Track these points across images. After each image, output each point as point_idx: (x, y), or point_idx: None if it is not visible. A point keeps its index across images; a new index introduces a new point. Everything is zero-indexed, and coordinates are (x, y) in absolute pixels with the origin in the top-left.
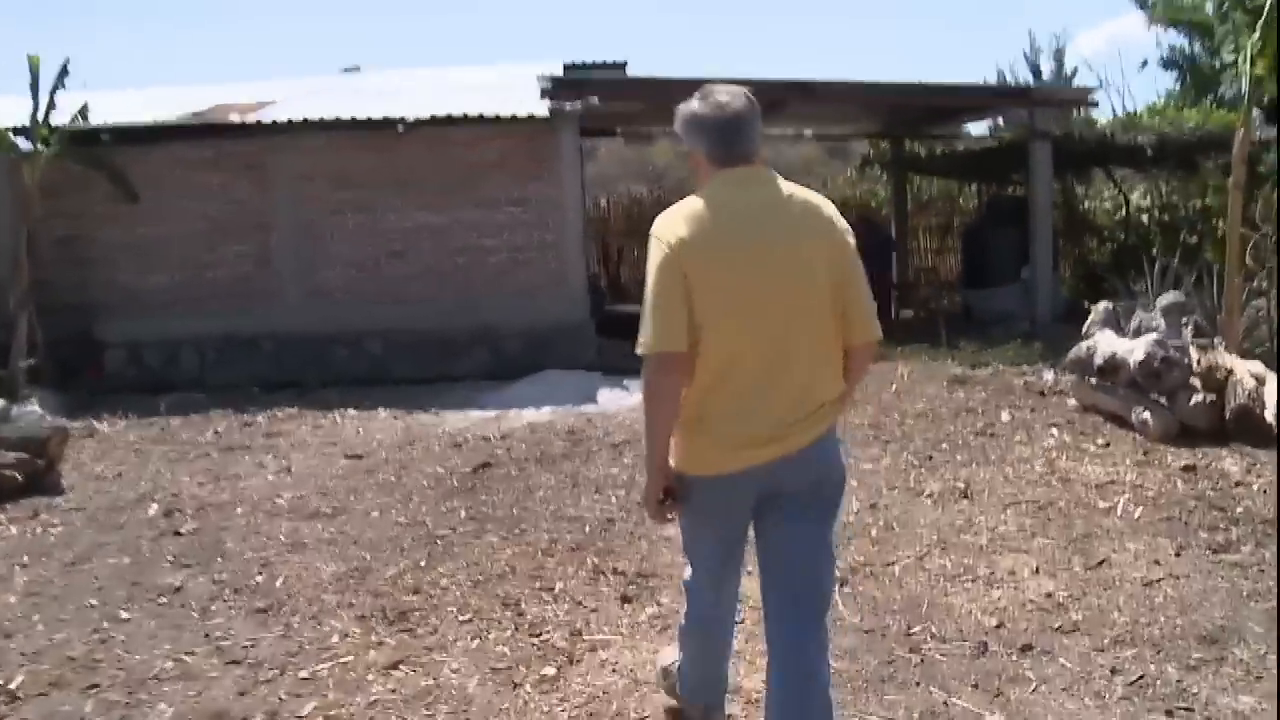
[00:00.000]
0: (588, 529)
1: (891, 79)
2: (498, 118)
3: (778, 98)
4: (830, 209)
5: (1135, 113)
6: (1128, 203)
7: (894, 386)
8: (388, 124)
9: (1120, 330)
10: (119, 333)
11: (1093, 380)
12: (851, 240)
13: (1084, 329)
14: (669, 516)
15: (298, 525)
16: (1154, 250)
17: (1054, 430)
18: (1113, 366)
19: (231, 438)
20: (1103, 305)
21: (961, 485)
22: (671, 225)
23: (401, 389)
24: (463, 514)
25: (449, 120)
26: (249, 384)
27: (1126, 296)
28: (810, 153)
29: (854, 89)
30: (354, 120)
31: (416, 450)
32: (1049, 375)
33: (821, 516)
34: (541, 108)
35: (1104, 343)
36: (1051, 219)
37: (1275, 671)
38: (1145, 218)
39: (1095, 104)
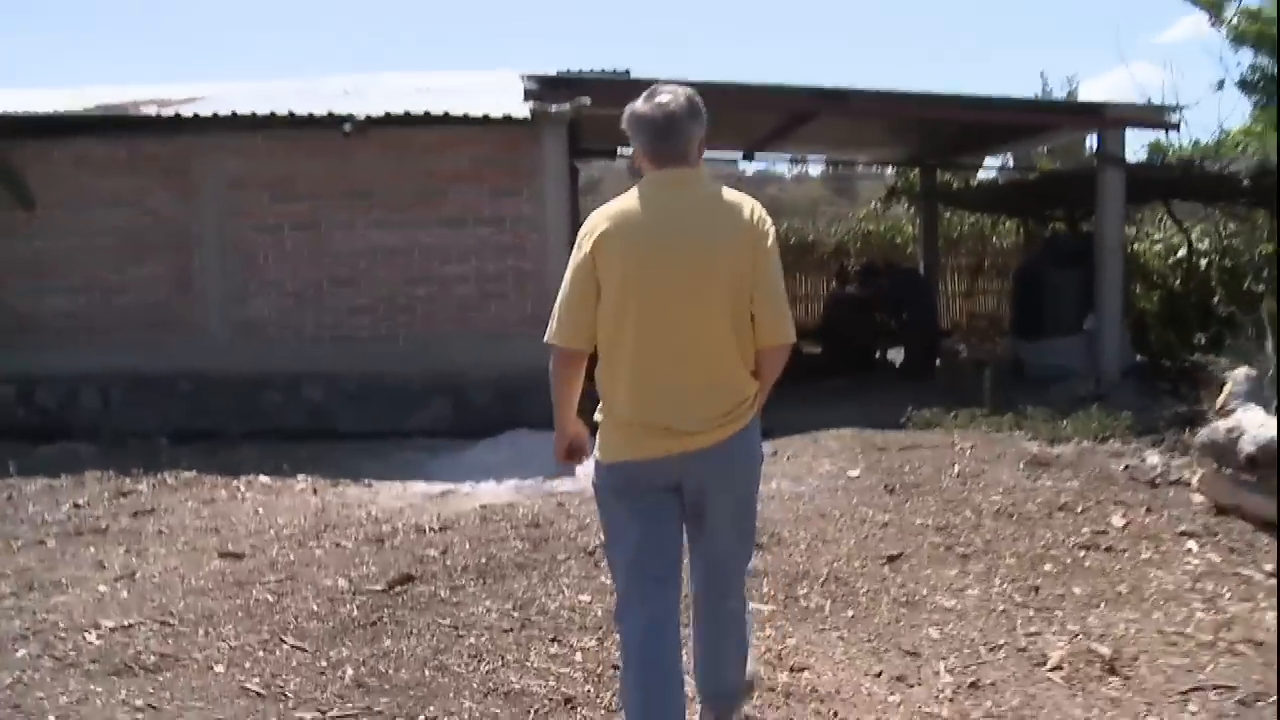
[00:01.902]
0: (533, 718)
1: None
2: (466, 117)
3: (806, 108)
4: (753, 210)
5: (1222, 135)
6: (1191, 244)
7: (956, 468)
8: (334, 122)
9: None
10: (6, 366)
11: (1228, 471)
12: (770, 241)
13: (1219, 403)
14: (576, 461)
15: (90, 688)
16: (1215, 300)
17: (1192, 545)
18: (1271, 458)
19: (89, 515)
20: (1243, 372)
21: (1101, 649)
22: (592, 223)
23: (340, 447)
24: (348, 676)
25: (408, 120)
26: (159, 432)
27: (1184, 351)
28: (815, 191)
29: (892, 100)
30: (294, 117)
31: (323, 547)
32: (1154, 458)
33: (732, 515)
34: (522, 109)
35: (1253, 424)
36: (1123, 261)
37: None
38: (1204, 262)
39: (1177, 126)
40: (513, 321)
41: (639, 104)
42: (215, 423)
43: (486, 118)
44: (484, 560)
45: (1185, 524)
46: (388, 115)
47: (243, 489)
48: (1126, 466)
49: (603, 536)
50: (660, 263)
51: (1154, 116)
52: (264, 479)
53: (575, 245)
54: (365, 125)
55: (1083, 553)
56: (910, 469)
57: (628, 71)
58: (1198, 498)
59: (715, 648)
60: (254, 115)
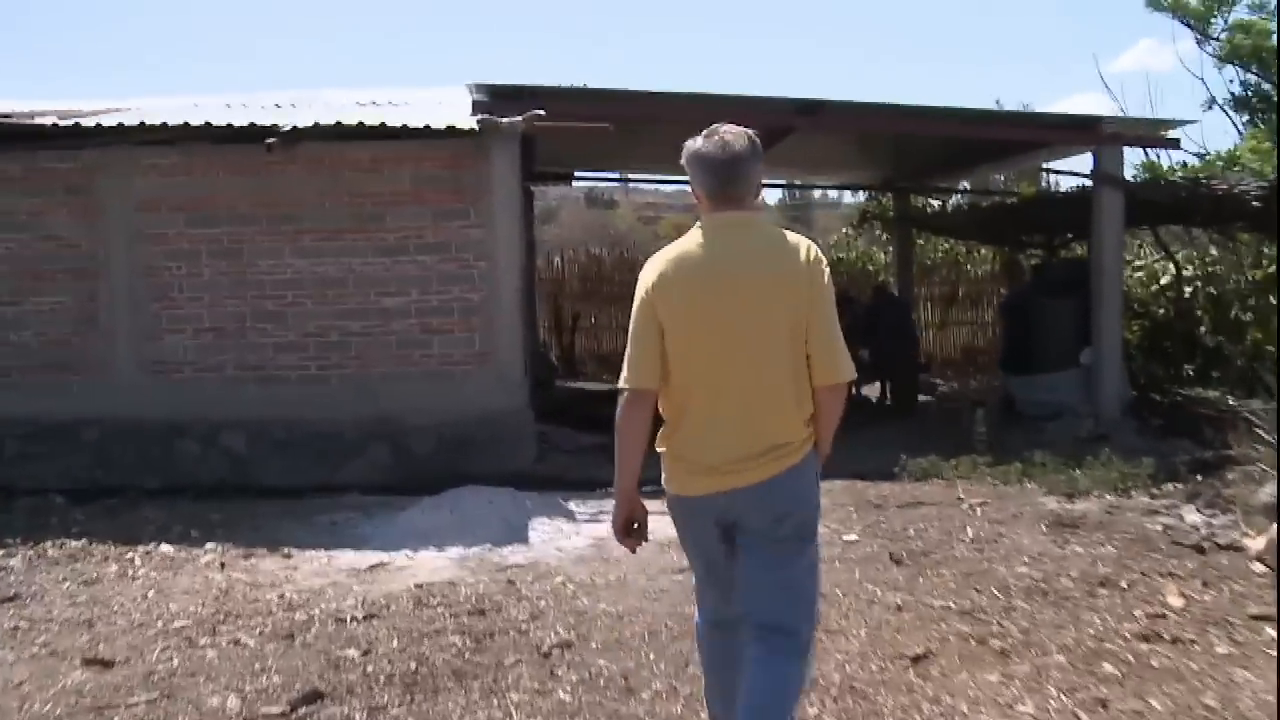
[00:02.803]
0: None
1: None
2: (405, 129)
3: (781, 123)
4: (809, 250)
5: (1232, 150)
6: (1179, 270)
7: (969, 531)
8: (258, 136)
9: None
10: None
11: None
12: (826, 280)
13: None
14: (635, 544)
15: None
16: (1201, 330)
17: (1271, 633)
18: None
19: None
20: None
21: None
22: (652, 265)
23: (262, 506)
24: None
25: (342, 134)
26: (57, 488)
27: (1172, 385)
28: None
29: (871, 111)
30: (211, 129)
31: (218, 646)
32: (1192, 515)
33: (782, 554)
34: (469, 121)
35: None
36: (1122, 290)
37: None
38: (1188, 290)
39: (1177, 143)
40: (459, 359)
41: (700, 142)
42: (123, 476)
43: (428, 129)
44: (413, 666)
45: (1254, 603)
46: (317, 127)
47: (138, 562)
48: (1165, 528)
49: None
50: (721, 305)
51: (1153, 132)
52: (166, 548)
53: (637, 288)
54: (292, 139)
55: (1144, 645)
56: (916, 532)
57: (584, 84)
58: (1258, 567)
59: (746, 706)
60: (165, 126)
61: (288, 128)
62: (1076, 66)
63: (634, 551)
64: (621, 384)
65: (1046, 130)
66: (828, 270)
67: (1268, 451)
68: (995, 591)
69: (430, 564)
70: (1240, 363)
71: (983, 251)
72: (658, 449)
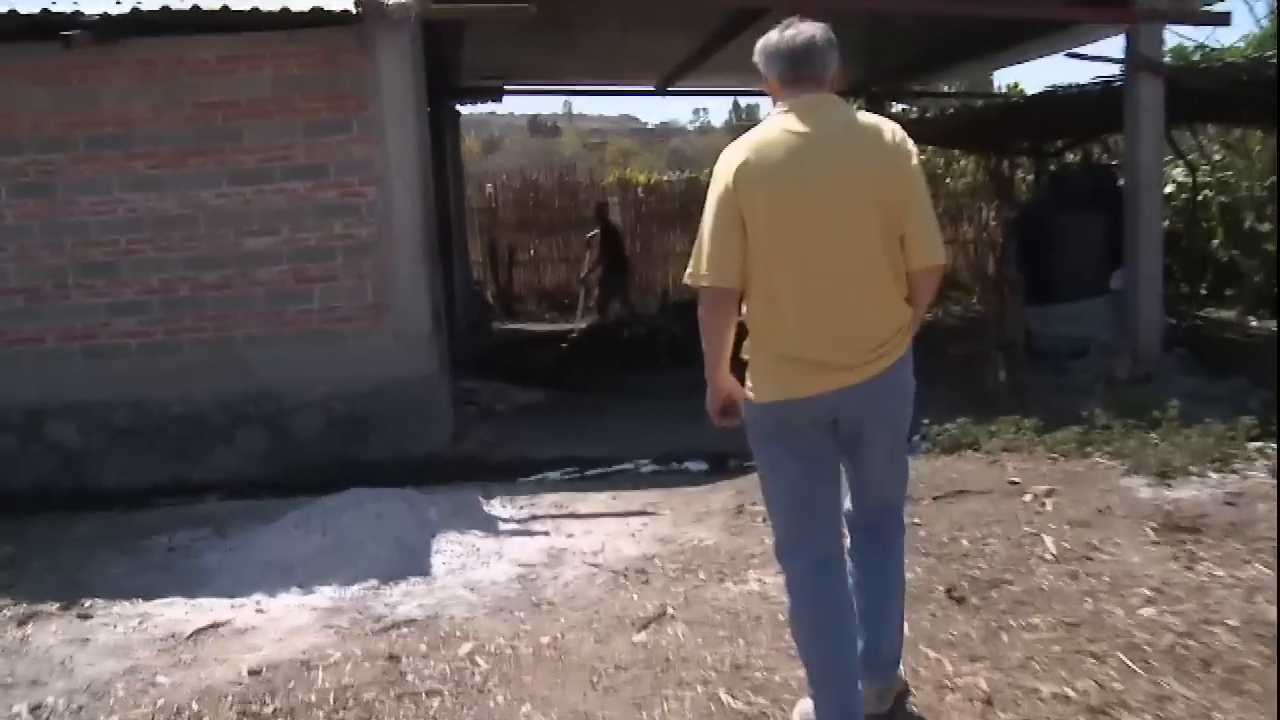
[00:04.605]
0: None
1: None
2: (257, 11)
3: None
4: (894, 131)
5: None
6: (1195, 175)
7: (1048, 542)
8: (58, 27)
9: None
10: None
11: None
12: (915, 161)
13: None
14: (732, 422)
15: None
16: (1214, 242)
17: None
18: None
19: None
20: None
21: None
22: (731, 155)
23: (83, 522)
24: None
25: (173, 23)
26: None
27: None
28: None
29: None
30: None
31: None
32: None
33: (890, 446)
34: (344, 1)
35: None
36: (1161, 200)
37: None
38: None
39: (1228, 18)
40: (347, 315)
41: (772, 35)
42: None
43: (289, 14)
44: None
45: None
46: (137, 14)
47: None
48: None
49: (760, 478)
50: (811, 191)
51: (1197, 6)
52: None
53: (713, 180)
54: (107, 32)
55: None
56: (972, 544)
57: None
58: None
59: (877, 604)
60: None
61: (96, 16)
62: None
63: (731, 428)
64: (700, 282)
65: (1071, 7)
66: (915, 149)
67: None
68: (1124, 658)
69: (285, 621)
70: (1257, 279)
71: (962, 162)
72: (746, 357)
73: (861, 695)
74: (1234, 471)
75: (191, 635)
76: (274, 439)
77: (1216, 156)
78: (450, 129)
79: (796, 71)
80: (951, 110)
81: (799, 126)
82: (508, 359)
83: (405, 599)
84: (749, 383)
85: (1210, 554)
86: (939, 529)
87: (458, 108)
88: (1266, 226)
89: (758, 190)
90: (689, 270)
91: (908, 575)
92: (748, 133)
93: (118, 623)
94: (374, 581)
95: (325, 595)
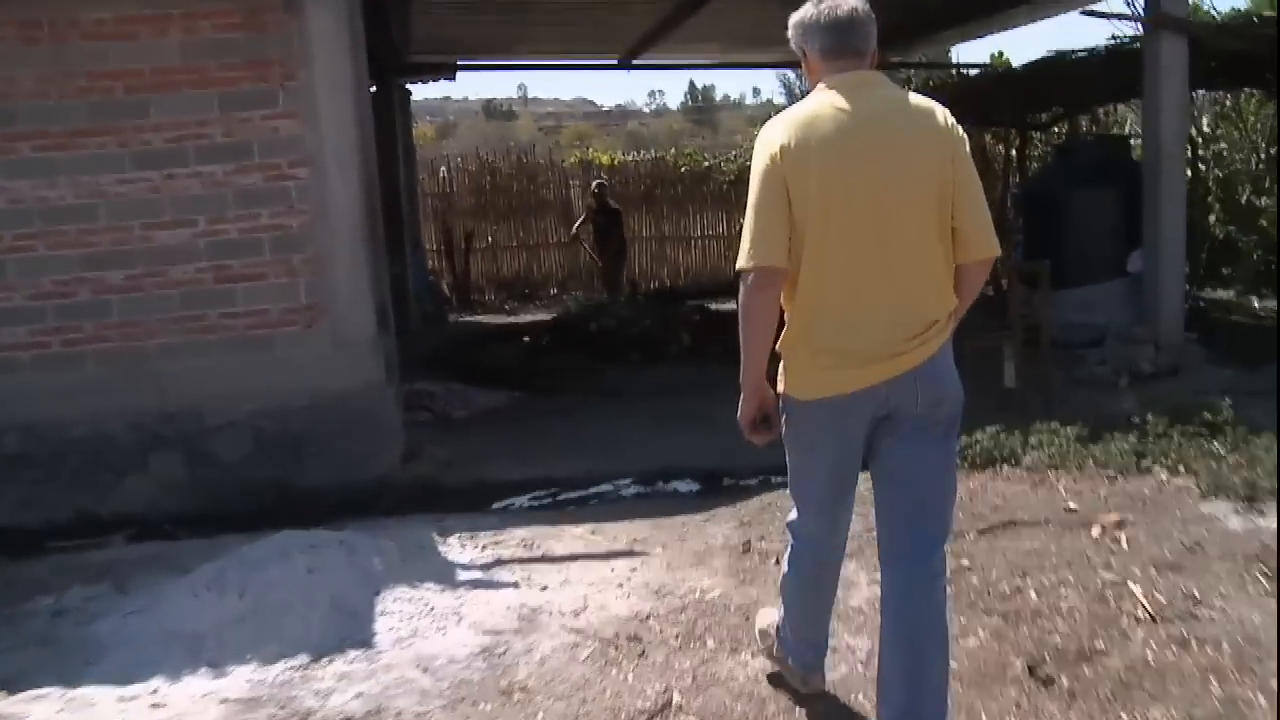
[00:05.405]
0: None
1: None
2: None
3: None
4: (945, 115)
5: None
6: (1196, 149)
7: (1136, 591)
8: None
9: None
10: None
11: None
12: (967, 148)
13: None
14: (766, 439)
15: None
16: (1210, 217)
17: None
18: None
19: None
20: None
21: None
22: (775, 131)
23: None
24: None
25: None
26: None
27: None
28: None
29: None
30: None
31: None
32: None
33: (940, 438)
34: None
35: None
36: (1185, 171)
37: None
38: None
39: None
40: (276, 319)
41: (808, 8)
42: None
43: None
44: None
45: None
46: None
47: None
48: None
49: (790, 470)
50: (865, 167)
51: None
52: None
53: (756, 157)
54: None
55: None
56: (1040, 595)
57: None
58: None
59: (912, 646)
60: None
61: None
62: None
63: (762, 445)
64: (745, 263)
65: None
66: (966, 136)
67: None
68: None
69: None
70: (1256, 256)
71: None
72: (781, 350)
73: (828, 633)
74: (1198, 489)
75: None
76: (194, 464)
77: (1206, 129)
78: (400, 108)
79: (841, 42)
80: (929, 83)
81: (847, 104)
82: (466, 356)
83: (341, 683)
84: (787, 381)
85: None
86: (996, 575)
87: (408, 86)
88: (1264, 201)
89: (805, 170)
90: (740, 255)
91: (970, 642)
92: (790, 108)
93: None
94: (303, 658)
95: (241, 679)
